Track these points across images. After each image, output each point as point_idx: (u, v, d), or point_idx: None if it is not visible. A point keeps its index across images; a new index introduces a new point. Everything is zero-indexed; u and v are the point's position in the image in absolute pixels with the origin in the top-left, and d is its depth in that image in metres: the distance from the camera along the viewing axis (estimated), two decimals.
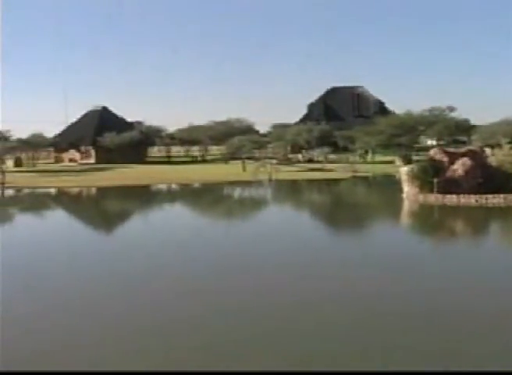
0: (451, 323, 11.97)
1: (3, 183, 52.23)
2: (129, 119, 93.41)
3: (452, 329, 11.65)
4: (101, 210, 38.74)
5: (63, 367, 10.07)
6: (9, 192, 49.16)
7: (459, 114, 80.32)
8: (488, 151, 46.18)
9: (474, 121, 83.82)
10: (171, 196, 47.23)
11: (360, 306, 13.22)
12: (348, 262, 18.22)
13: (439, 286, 14.85)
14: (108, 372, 9.86)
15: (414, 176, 34.55)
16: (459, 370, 9.65)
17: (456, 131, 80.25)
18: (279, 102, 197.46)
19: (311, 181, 51.34)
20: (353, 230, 26.61)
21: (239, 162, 63.78)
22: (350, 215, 32.02)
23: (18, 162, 78.35)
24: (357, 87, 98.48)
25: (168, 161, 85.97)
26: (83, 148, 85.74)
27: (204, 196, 44.68)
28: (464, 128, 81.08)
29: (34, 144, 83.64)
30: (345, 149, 72.63)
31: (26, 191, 49.73)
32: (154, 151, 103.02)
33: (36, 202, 43.72)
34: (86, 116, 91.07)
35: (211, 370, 9.86)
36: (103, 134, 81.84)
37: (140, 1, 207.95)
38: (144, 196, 45.45)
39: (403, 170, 35.92)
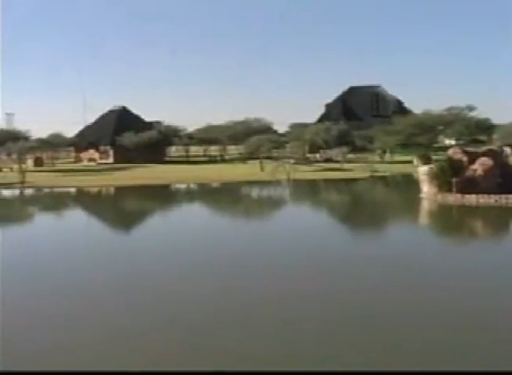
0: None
1: (23, 183, 52.69)
2: (147, 119, 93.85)
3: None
4: (125, 210, 38.88)
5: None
6: (29, 191, 49.63)
7: (478, 113, 79.59)
8: (508, 150, 45.83)
9: (494, 120, 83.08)
10: (192, 196, 47.11)
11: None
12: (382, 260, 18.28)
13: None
14: (108, 372, 9.86)
15: (432, 176, 34.31)
16: (459, 370, 9.56)
17: (476, 131, 79.61)
18: (297, 102, 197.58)
19: (329, 181, 51.18)
20: (376, 231, 26.37)
21: (257, 161, 63.80)
22: (371, 215, 31.71)
23: (38, 162, 78.94)
24: (376, 86, 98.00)
25: (187, 161, 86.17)
26: (102, 148, 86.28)
27: (226, 196, 44.61)
28: (484, 127, 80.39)
29: (54, 143, 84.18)
30: (363, 149, 72.31)
31: (46, 190, 50.14)
32: (173, 151, 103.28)
33: (56, 202, 44.08)
34: (105, 115, 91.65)
35: (212, 370, 9.85)
36: (122, 134, 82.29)
37: (157, 1, 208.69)
38: (165, 196, 45.67)
39: (422, 170, 35.70)
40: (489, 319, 12.15)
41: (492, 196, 31.61)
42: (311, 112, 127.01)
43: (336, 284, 15.34)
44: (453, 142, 79.44)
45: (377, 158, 69.09)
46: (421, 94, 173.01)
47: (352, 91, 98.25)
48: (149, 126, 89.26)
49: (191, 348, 10.86)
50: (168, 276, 16.78)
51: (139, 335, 11.57)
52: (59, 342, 11.26)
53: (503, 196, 31.39)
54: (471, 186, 32.87)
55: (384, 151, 72.94)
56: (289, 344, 10.96)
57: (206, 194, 47.34)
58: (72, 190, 50.66)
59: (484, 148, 38.00)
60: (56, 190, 49.94)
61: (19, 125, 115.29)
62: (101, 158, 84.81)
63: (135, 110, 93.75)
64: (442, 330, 11.43)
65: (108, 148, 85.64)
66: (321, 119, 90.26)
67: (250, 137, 72.28)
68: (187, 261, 18.77)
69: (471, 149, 37.83)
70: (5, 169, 70.81)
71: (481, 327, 11.71)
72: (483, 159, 34.08)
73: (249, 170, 59.86)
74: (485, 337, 11.06)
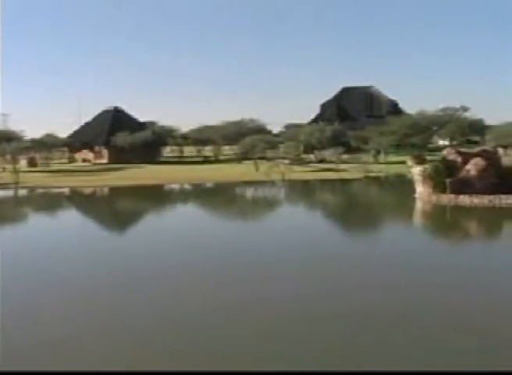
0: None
1: (17, 183, 52.55)
2: (142, 120, 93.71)
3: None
4: (122, 210, 38.91)
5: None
6: (23, 192, 49.45)
7: (472, 114, 79.99)
8: (501, 151, 46.04)
9: (487, 121, 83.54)
10: (189, 196, 46.84)
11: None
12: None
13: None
14: (108, 372, 9.91)
15: (426, 177, 34.44)
16: (459, 370, 9.63)
17: (470, 131, 79.94)
18: (291, 102, 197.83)
19: (323, 181, 51.21)
20: (369, 232, 26.50)
21: (251, 162, 63.80)
22: (365, 215, 31.85)
23: (32, 162, 78.60)
24: (370, 87, 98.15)
25: (181, 161, 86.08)
26: (96, 148, 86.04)
27: (222, 196, 44.54)
28: (478, 128, 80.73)
29: (48, 144, 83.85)
30: (357, 149, 72.38)
31: (40, 190, 49.95)
32: (167, 151, 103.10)
33: (49, 202, 43.96)
34: (99, 116, 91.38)
35: (212, 370, 9.91)
36: (116, 134, 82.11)
37: (155, 3, 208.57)
38: (160, 196, 45.74)
39: (416, 170, 35.79)
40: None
41: (486, 196, 31.74)
42: (306, 113, 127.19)
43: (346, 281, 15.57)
44: (446, 143, 79.68)
45: (371, 159, 69.09)
46: (416, 95, 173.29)
47: (346, 91, 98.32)
48: (143, 126, 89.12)
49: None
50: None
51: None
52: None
53: (497, 196, 31.53)
54: (465, 186, 33.01)
55: (378, 152, 72.99)
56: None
57: (202, 194, 47.30)
58: (67, 190, 50.48)
59: (477, 149, 38.16)
60: (51, 190, 49.73)
61: (14, 125, 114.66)
62: (95, 158, 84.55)
63: (129, 110, 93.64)
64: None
65: (103, 148, 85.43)
66: (316, 120, 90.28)
67: (245, 138, 72.28)
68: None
69: (464, 150, 37.99)
70: None
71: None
72: (476, 160, 34.23)
73: (244, 170, 59.80)
74: None
